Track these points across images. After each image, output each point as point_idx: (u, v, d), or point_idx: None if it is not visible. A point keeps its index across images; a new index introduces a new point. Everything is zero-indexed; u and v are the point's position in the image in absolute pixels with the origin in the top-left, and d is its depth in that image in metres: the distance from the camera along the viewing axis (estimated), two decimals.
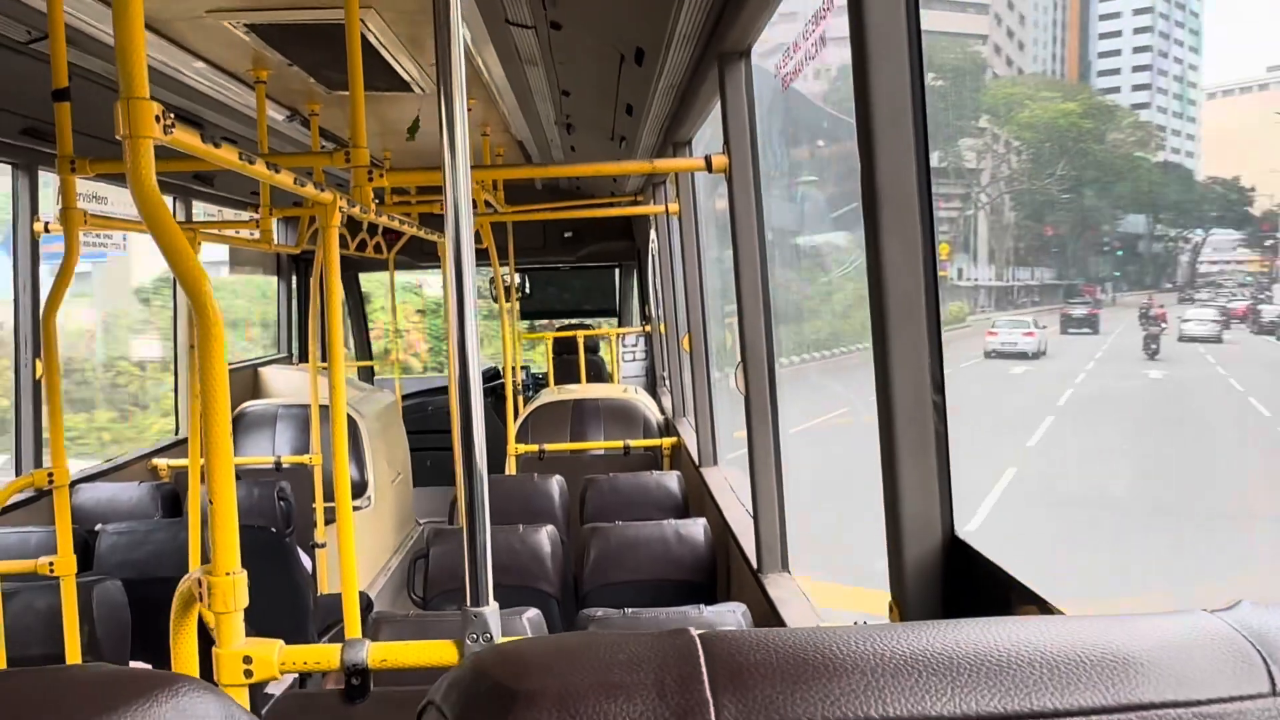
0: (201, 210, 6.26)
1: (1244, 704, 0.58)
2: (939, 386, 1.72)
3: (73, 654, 3.02)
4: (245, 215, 6.45)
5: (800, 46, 3.04)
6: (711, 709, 0.56)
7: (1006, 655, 0.59)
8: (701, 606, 2.91)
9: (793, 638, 0.61)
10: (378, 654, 1.90)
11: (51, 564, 3.10)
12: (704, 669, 0.58)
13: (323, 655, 1.90)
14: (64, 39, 2.67)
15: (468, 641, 1.82)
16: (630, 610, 2.88)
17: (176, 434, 6.06)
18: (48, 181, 4.25)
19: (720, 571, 3.83)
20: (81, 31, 3.16)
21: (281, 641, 1.84)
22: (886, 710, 0.57)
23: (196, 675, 1.87)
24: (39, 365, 4.02)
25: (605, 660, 0.59)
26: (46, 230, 3.97)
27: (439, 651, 1.90)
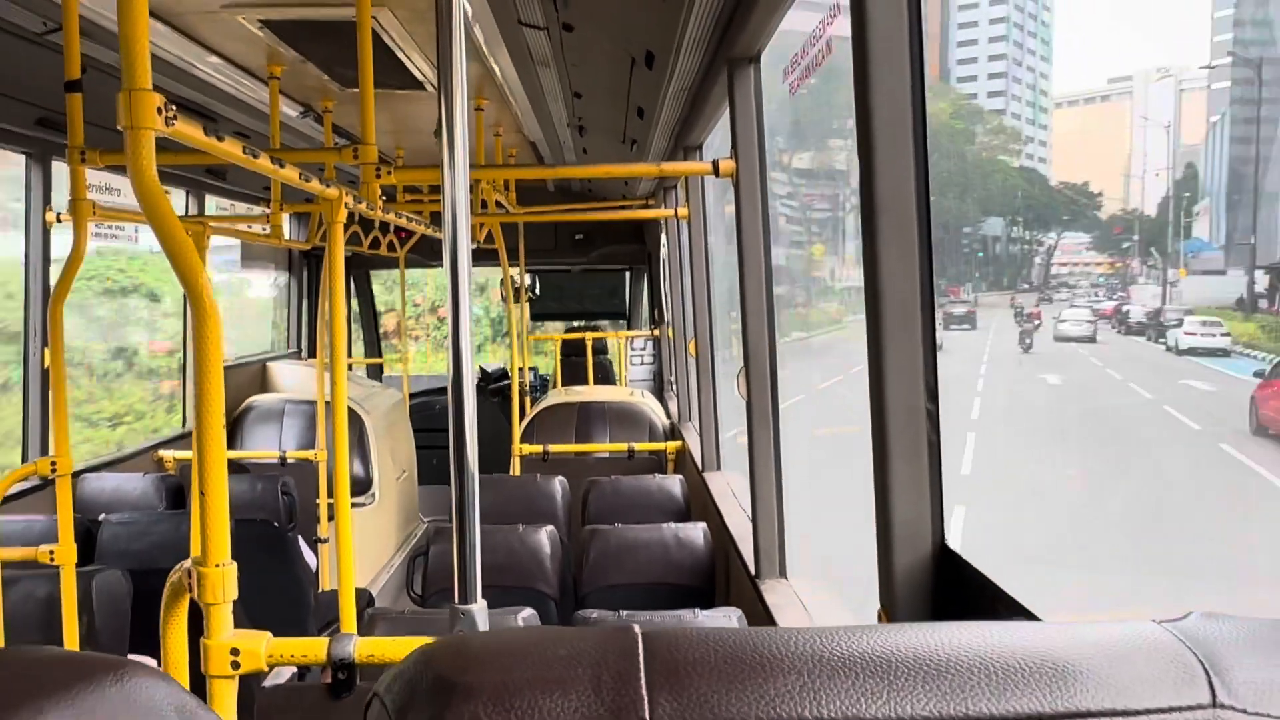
0: (214, 205, 6.29)
1: (1183, 714, 0.58)
2: (933, 394, 1.72)
3: (70, 643, 3.03)
4: (257, 210, 6.49)
5: (806, 53, 3.04)
6: (646, 705, 0.56)
7: (945, 659, 0.59)
8: (697, 610, 2.91)
9: (734, 637, 0.61)
10: (365, 649, 1.90)
11: (52, 552, 3.12)
12: (642, 666, 0.58)
13: (310, 649, 1.91)
14: (78, 30, 2.68)
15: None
16: (626, 613, 2.88)
17: (184, 426, 6.09)
18: (61, 172, 4.28)
19: (719, 576, 3.83)
20: (95, 23, 3.18)
21: (269, 634, 1.85)
22: (821, 711, 0.57)
23: (185, 666, 1.88)
24: (47, 354, 4.04)
25: (546, 655, 0.59)
26: (58, 220, 4.00)
27: None
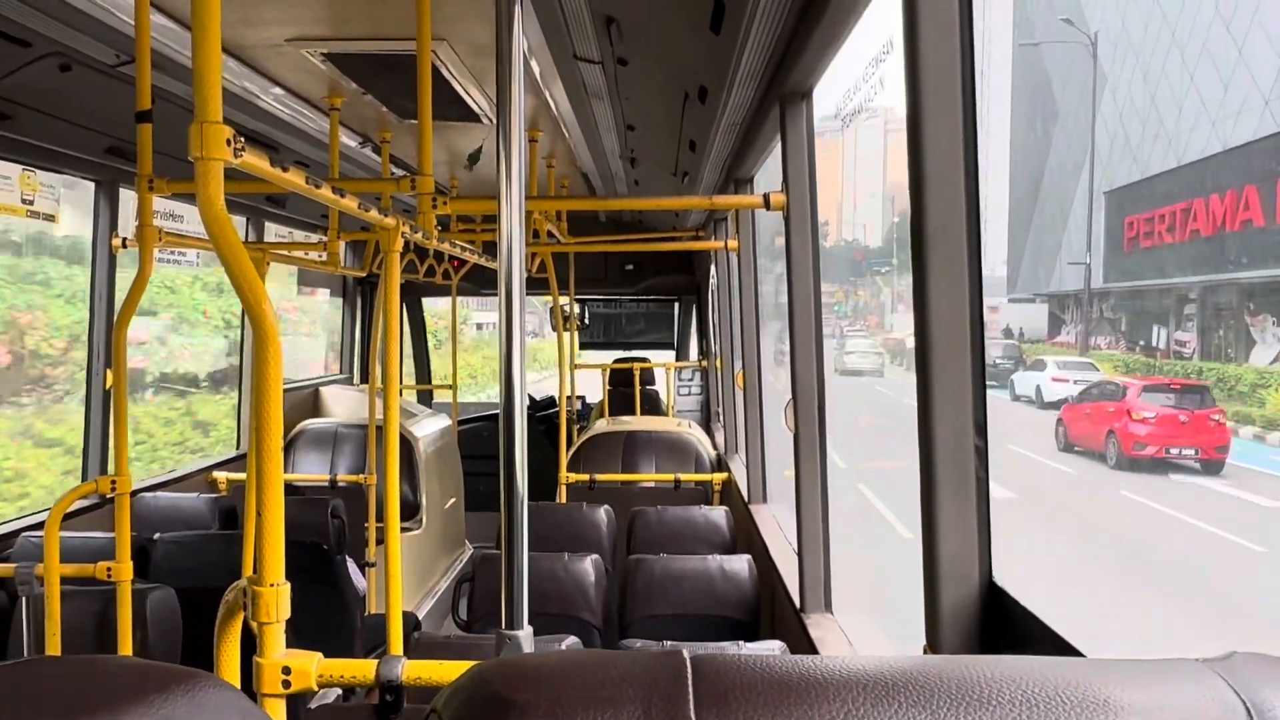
0: (273, 232, 6.43)
1: None
2: (981, 430, 1.71)
3: None
4: (314, 238, 6.61)
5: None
6: None
7: (988, 692, 0.60)
8: (740, 643, 2.90)
9: (780, 664, 0.62)
10: (412, 671, 1.92)
11: (110, 569, 3.19)
12: (690, 689, 0.59)
13: (359, 670, 1.93)
14: (149, 63, 2.77)
15: None
16: (669, 643, 2.87)
17: (238, 448, 6.19)
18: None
19: (764, 609, 3.81)
20: (165, 55, 3.29)
21: (320, 654, 1.88)
22: None
23: (237, 683, 1.92)
24: (109, 375, 4.15)
25: (599, 677, 0.61)
26: (124, 246, 4.12)
27: None
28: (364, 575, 5.07)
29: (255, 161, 1.85)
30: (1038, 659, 0.65)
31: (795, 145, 3.27)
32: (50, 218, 4.14)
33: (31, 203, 3.99)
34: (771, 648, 2.87)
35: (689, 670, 0.61)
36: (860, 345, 36.54)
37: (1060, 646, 1.53)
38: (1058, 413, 19.72)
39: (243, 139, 1.73)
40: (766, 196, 3.40)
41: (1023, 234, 38.22)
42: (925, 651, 1.80)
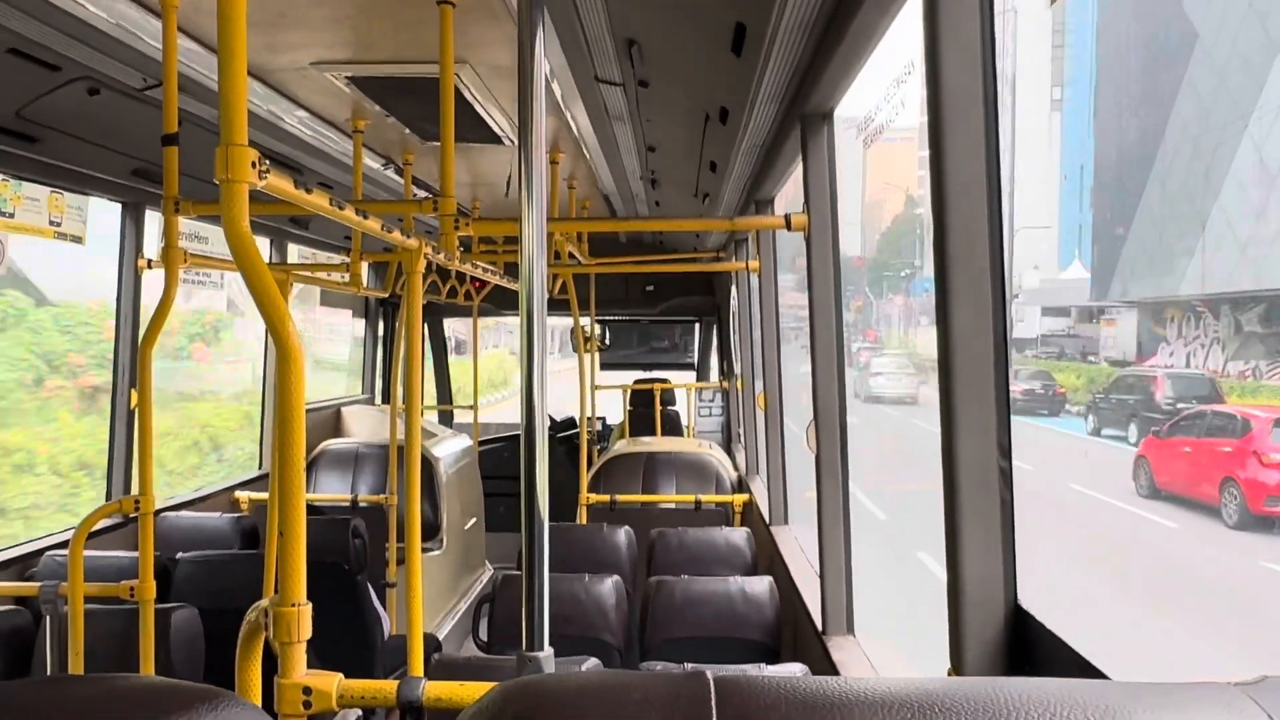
0: (296, 252, 6.48)
1: None
2: (1006, 452, 1.70)
3: None
4: (337, 259, 6.66)
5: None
6: None
7: (1016, 714, 0.59)
8: (762, 666, 2.88)
9: (805, 685, 0.61)
10: (433, 692, 1.92)
11: (133, 589, 3.21)
12: (714, 711, 0.59)
13: (380, 690, 1.93)
14: (176, 86, 2.81)
15: None
16: (690, 666, 2.86)
17: (260, 468, 6.22)
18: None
19: (785, 632, 3.79)
20: (190, 79, 3.33)
21: (341, 675, 1.87)
22: None
23: (259, 703, 1.91)
24: (134, 395, 4.18)
25: (621, 698, 0.60)
26: (149, 267, 4.16)
27: None
28: (382, 596, 5.07)
29: (280, 184, 1.86)
30: (1065, 681, 0.64)
31: (816, 166, 3.27)
32: (77, 239, 4.19)
33: (59, 224, 4.04)
34: (794, 670, 2.85)
35: (713, 692, 0.60)
36: (887, 365, 30.87)
37: (1087, 670, 1.51)
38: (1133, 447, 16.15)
39: (268, 161, 1.75)
40: (788, 218, 3.40)
41: (1111, 228, 30.28)
42: (949, 674, 1.78)
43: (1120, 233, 29.40)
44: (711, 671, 0.62)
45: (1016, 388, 22.41)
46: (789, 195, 4.69)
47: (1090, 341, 30.95)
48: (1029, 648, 1.67)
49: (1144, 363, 25.86)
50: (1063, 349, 31.46)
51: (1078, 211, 37.05)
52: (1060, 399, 24.52)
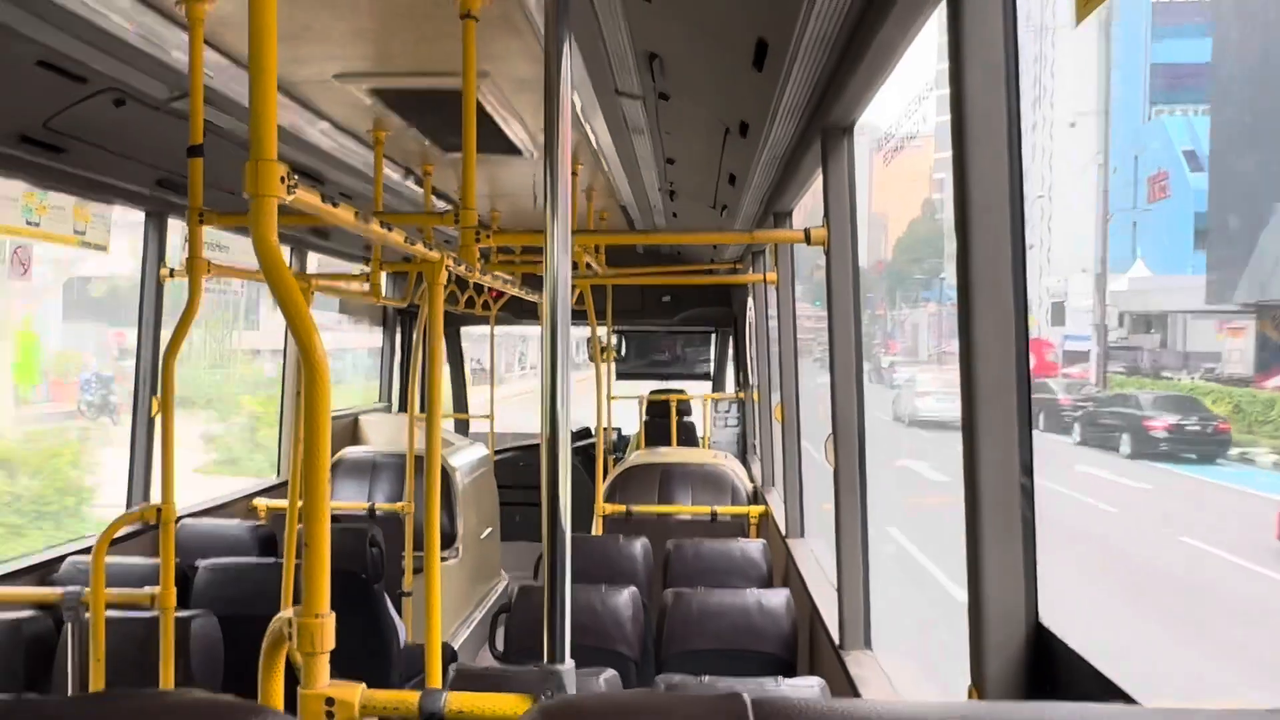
0: (315, 261, 6.52)
1: None
2: (1028, 470, 1.70)
3: (167, 686, 3.11)
4: (356, 268, 6.69)
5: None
6: None
7: None
8: (779, 679, 2.87)
9: (842, 707, 0.61)
10: (455, 704, 1.92)
11: (153, 596, 3.22)
12: None
13: (402, 701, 1.93)
14: (201, 98, 2.83)
15: (542, 698, 1.83)
16: (707, 678, 2.85)
17: (278, 476, 6.24)
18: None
19: (801, 645, 3.77)
20: (214, 90, 3.36)
21: (363, 685, 1.88)
22: None
23: (281, 711, 1.92)
24: (155, 403, 4.20)
25: (660, 718, 0.61)
26: (171, 276, 4.19)
27: (513, 705, 1.92)
28: (399, 605, 5.08)
29: (308, 197, 1.88)
30: (1092, 706, 0.64)
31: (836, 180, 3.27)
32: (101, 248, 4.22)
33: (84, 233, 4.08)
34: (811, 684, 2.84)
35: (750, 713, 0.60)
36: (932, 384, 25.95)
37: (1111, 691, 1.51)
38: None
39: (296, 176, 1.76)
40: (808, 232, 3.41)
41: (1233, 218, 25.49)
42: (970, 693, 1.78)
43: (1246, 225, 24.34)
44: (748, 693, 0.62)
45: (1155, 424, 17.85)
46: (807, 207, 4.69)
47: (1153, 354, 27.05)
48: (1051, 666, 1.67)
49: (1265, 381, 21.70)
50: (1137, 362, 27.06)
51: (1131, 207, 34.00)
52: (1222, 438, 18.42)
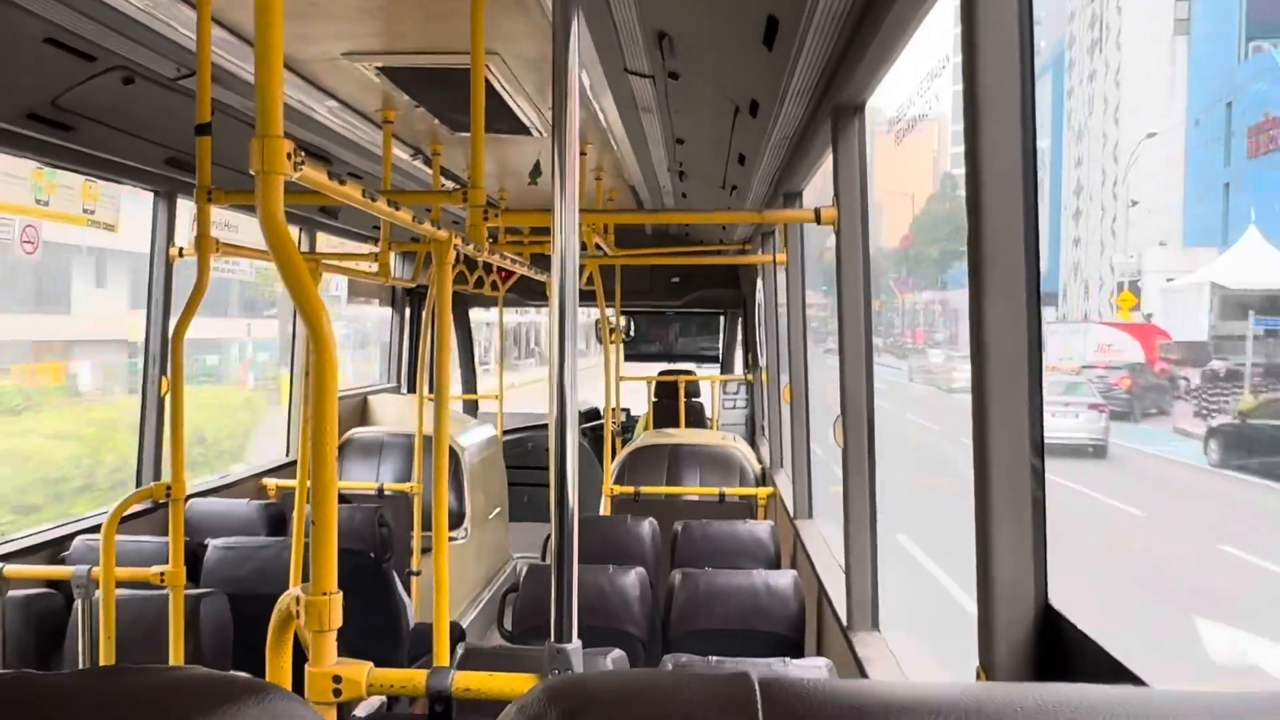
0: (325, 241, 6.51)
1: None
2: (1039, 449, 1.69)
3: (176, 663, 3.13)
4: (365, 248, 6.69)
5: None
6: None
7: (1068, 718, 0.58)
8: (786, 660, 2.87)
9: (852, 689, 0.61)
10: (462, 683, 1.93)
11: (163, 575, 3.24)
12: (760, 713, 0.59)
13: (409, 680, 1.94)
14: (209, 76, 2.83)
15: (549, 677, 1.83)
16: (714, 659, 2.86)
17: (287, 455, 6.26)
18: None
19: (809, 626, 3.78)
20: (222, 68, 3.35)
21: (371, 664, 1.89)
22: None
23: (289, 689, 1.93)
24: (164, 382, 4.20)
25: (665, 699, 0.60)
26: (181, 255, 4.19)
27: (521, 684, 1.92)
28: (407, 584, 5.09)
29: (314, 175, 1.87)
30: (1100, 687, 0.63)
31: (847, 159, 3.25)
32: (110, 227, 4.22)
33: (93, 212, 4.07)
34: (818, 665, 2.85)
35: (758, 694, 0.60)
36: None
37: (1119, 672, 1.50)
38: None
39: (303, 153, 1.76)
40: (818, 211, 3.39)
41: None
42: (979, 674, 1.78)
43: None
44: (755, 673, 0.62)
45: None
46: (817, 187, 4.67)
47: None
48: (1061, 648, 1.66)
49: None
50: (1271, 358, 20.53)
51: (1222, 166, 28.60)
52: None
